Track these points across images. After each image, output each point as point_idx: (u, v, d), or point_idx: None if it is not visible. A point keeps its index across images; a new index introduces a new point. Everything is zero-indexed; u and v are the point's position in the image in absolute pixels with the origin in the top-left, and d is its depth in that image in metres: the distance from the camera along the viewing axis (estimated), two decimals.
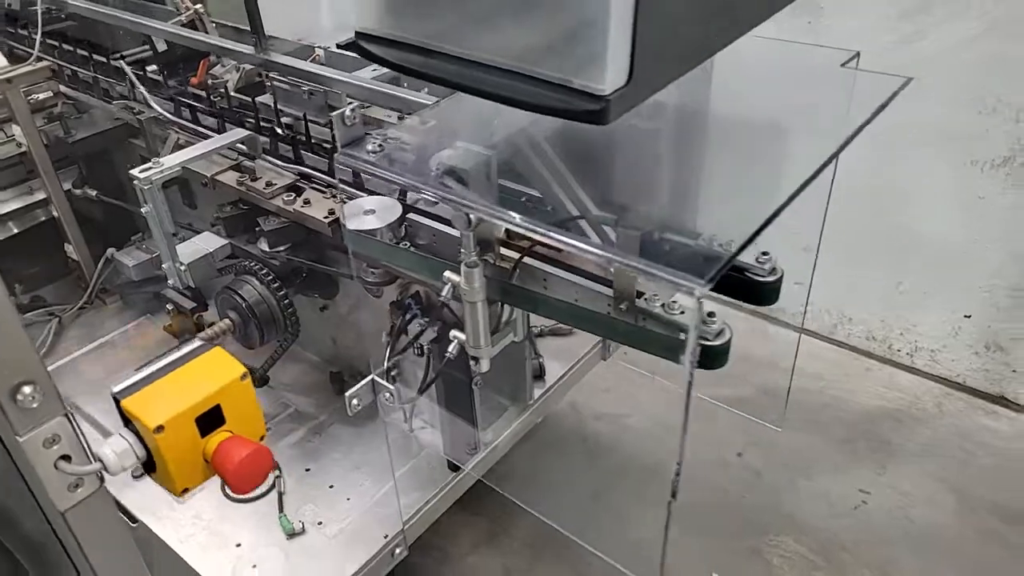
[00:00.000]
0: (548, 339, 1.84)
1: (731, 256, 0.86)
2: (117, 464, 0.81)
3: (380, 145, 0.95)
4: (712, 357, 1.03)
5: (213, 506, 1.45)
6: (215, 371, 0.85)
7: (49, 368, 0.83)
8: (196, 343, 0.88)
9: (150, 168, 1.35)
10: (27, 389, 0.76)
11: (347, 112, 0.99)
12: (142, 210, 1.39)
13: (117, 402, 0.82)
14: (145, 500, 1.47)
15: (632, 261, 0.85)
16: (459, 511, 2.26)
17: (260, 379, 1.69)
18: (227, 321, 1.42)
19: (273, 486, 1.47)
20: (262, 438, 0.90)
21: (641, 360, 2.75)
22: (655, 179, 1.16)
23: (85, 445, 0.82)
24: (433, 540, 2.19)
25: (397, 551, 1.37)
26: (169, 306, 1.59)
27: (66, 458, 0.80)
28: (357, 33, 0.90)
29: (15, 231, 1.93)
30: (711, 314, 1.03)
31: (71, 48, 1.90)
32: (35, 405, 0.76)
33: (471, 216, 1.03)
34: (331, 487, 1.47)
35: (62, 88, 1.89)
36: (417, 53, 0.86)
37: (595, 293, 1.12)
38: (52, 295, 1.99)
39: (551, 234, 0.86)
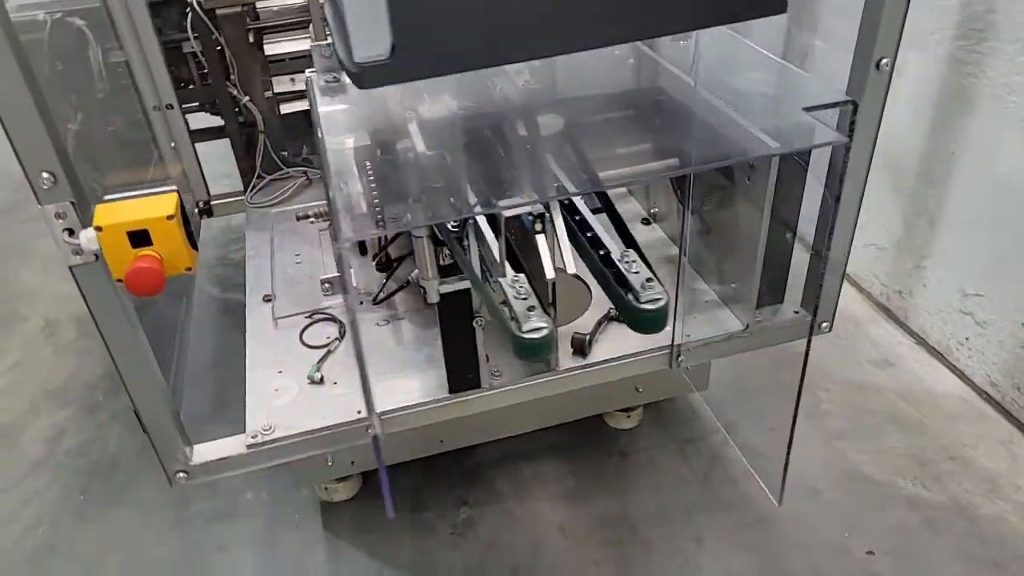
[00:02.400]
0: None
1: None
2: (87, 246, 1.20)
3: (335, 78, 1.14)
4: (522, 348, 1.04)
5: (290, 344, 1.86)
6: (158, 207, 1.18)
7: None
8: (170, 186, 1.22)
9: None
10: (45, 175, 1.17)
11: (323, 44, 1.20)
12: None
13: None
14: (258, 324, 1.94)
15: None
16: (564, 460, 2.37)
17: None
18: None
19: (328, 346, 1.82)
20: (188, 269, 1.22)
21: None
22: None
23: (80, 228, 1.22)
24: (527, 474, 2.36)
25: (368, 430, 1.62)
26: None
27: (69, 231, 1.22)
28: None
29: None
30: (532, 308, 1.03)
31: None
32: (47, 188, 1.18)
33: None
34: None
35: None
36: None
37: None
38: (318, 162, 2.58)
39: None
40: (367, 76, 0.84)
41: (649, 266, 1.16)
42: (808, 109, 1.03)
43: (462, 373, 1.61)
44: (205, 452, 1.55)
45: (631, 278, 1.08)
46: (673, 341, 1.75)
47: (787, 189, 1.65)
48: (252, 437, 1.57)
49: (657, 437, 2.49)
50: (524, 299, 1.07)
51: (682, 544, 2.17)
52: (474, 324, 1.55)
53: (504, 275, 1.15)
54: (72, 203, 1.20)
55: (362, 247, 2.06)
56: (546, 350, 1.06)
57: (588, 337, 1.75)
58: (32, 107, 1.13)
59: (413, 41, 0.83)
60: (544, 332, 1.04)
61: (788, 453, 1.53)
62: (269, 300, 1.96)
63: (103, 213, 1.18)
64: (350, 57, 0.85)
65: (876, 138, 1.54)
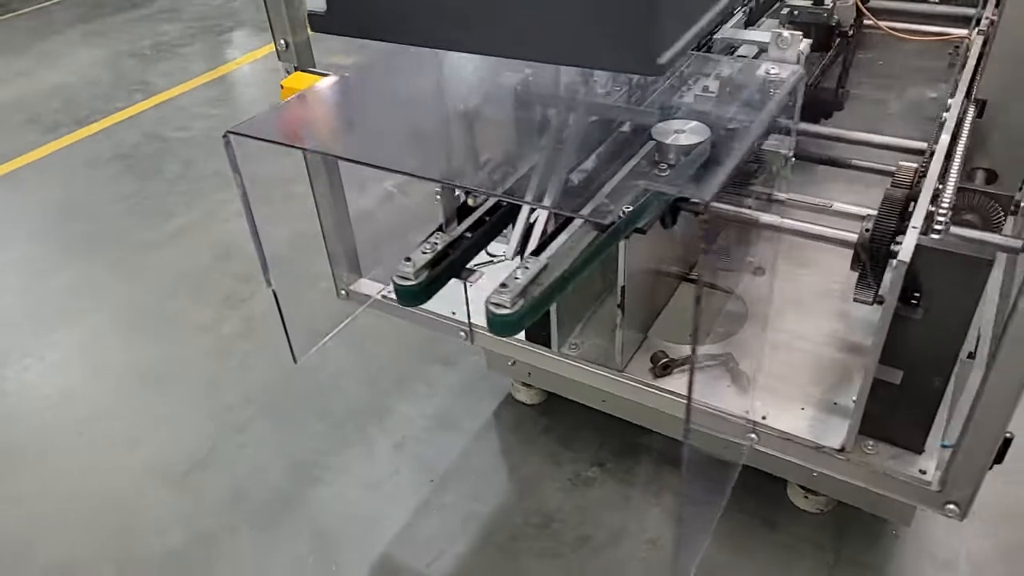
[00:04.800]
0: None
1: None
2: None
3: None
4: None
5: None
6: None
7: None
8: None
9: None
10: (282, 41, 1.65)
11: None
12: None
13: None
14: None
15: None
16: None
17: None
18: None
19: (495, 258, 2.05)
20: None
21: None
22: None
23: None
24: (668, 481, 2.32)
25: (462, 333, 1.86)
26: None
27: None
28: None
29: None
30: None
31: None
32: (281, 50, 1.66)
33: None
34: None
35: None
36: None
37: None
38: None
39: None
40: (311, 22, 1.05)
41: (562, 282, 1.11)
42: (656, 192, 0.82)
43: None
44: (361, 284, 2.01)
45: (506, 278, 1.08)
46: (748, 415, 1.56)
47: (939, 312, 1.28)
48: (388, 292, 1.96)
49: (823, 536, 2.14)
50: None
51: None
52: None
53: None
54: (295, 67, 1.67)
55: None
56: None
57: (668, 360, 1.65)
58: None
59: (340, 5, 1.00)
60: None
61: None
62: None
63: (292, 78, 1.62)
64: None
65: None
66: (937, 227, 1.30)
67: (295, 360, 1.58)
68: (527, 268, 1.11)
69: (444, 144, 1.30)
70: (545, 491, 2.33)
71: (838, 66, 2.29)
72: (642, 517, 2.23)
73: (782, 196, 1.67)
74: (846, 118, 2.40)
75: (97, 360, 2.97)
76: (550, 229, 1.28)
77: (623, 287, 1.53)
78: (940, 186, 1.40)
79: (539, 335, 1.74)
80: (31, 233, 3.79)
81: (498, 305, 1.07)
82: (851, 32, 1.94)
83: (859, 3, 1.95)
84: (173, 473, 2.47)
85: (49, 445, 2.60)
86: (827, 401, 1.57)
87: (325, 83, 1.45)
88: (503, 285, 1.07)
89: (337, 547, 2.22)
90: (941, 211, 1.32)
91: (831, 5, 1.82)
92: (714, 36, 1.56)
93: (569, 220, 1.24)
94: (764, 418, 1.52)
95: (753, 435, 1.55)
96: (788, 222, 1.46)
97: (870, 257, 1.35)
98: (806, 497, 2.20)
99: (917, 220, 1.28)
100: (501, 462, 2.46)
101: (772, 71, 1.17)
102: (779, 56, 1.27)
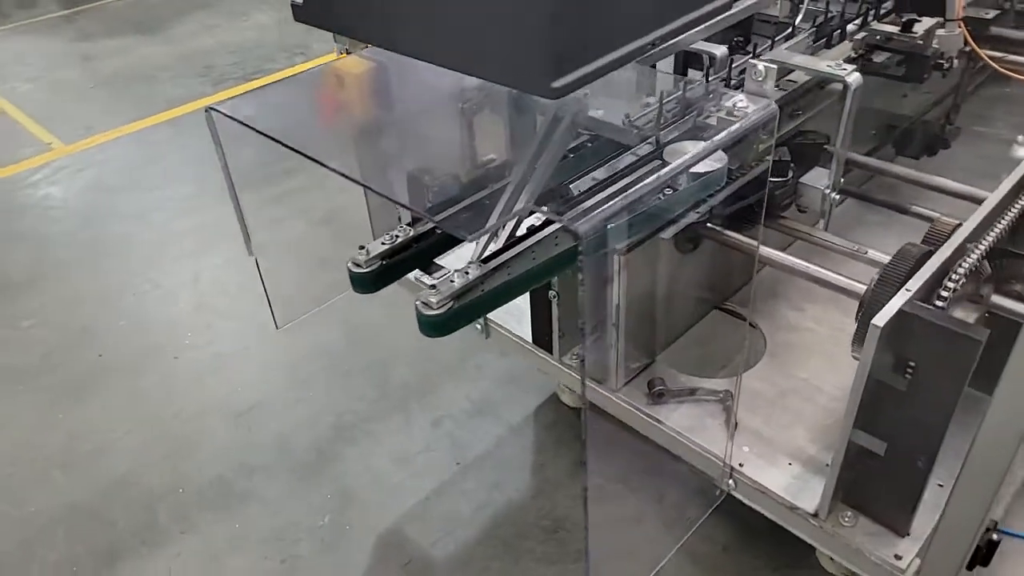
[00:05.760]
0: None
1: None
2: None
3: None
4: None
5: None
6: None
7: None
8: None
9: None
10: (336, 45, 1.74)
11: None
12: None
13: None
14: None
15: None
16: (741, 535, 2.16)
17: None
18: None
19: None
20: None
21: None
22: None
23: None
24: None
25: (477, 327, 1.88)
26: None
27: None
28: None
29: None
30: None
31: None
32: (336, 43, 1.75)
33: None
34: None
35: None
36: None
37: None
38: None
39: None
40: (293, 12, 1.11)
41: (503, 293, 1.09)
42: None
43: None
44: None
45: (440, 281, 1.08)
46: (726, 458, 1.48)
47: (924, 388, 1.16)
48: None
49: None
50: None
51: None
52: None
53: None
54: (346, 50, 1.76)
55: None
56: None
57: (663, 388, 1.60)
58: None
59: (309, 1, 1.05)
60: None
61: None
62: None
63: (339, 59, 1.70)
64: None
65: None
66: (943, 293, 1.17)
67: (276, 326, 1.67)
68: (466, 273, 1.11)
69: (417, 152, 1.33)
70: (563, 496, 2.32)
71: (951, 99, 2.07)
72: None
73: (820, 236, 1.56)
74: (954, 158, 2.18)
75: (204, 296, 3.27)
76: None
77: (617, 306, 1.49)
78: (972, 247, 1.26)
79: (540, 339, 1.74)
80: (179, 176, 4.21)
81: (426, 305, 1.08)
82: (948, 64, 1.73)
83: (967, 33, 1.74)
84: (234, 410, 2.68)
85: (147, 366, 2.91)
86: (818, 461, 1.46)
87: (328, 69, 1.51)
88: (432, 287, 1.08)
89: (355, 509, 2.33)
90: (954, 276, 1.18)
91: (920, 32, 1.64)
92: (759, 57, 1.46)
93: (533, 232, 1.23)
94: (741, 465, 1.44)
95: (731, 481, 1.47)
96: (793, 261, 1.36)
97: (864, 314, 1.23)
98: (832, 559, 2.04)
99: (914, 283, 1.15)
100: (529, 459, 2.46)
101: (740, 104, 1.08)
102: (755, 89, 1.17)
